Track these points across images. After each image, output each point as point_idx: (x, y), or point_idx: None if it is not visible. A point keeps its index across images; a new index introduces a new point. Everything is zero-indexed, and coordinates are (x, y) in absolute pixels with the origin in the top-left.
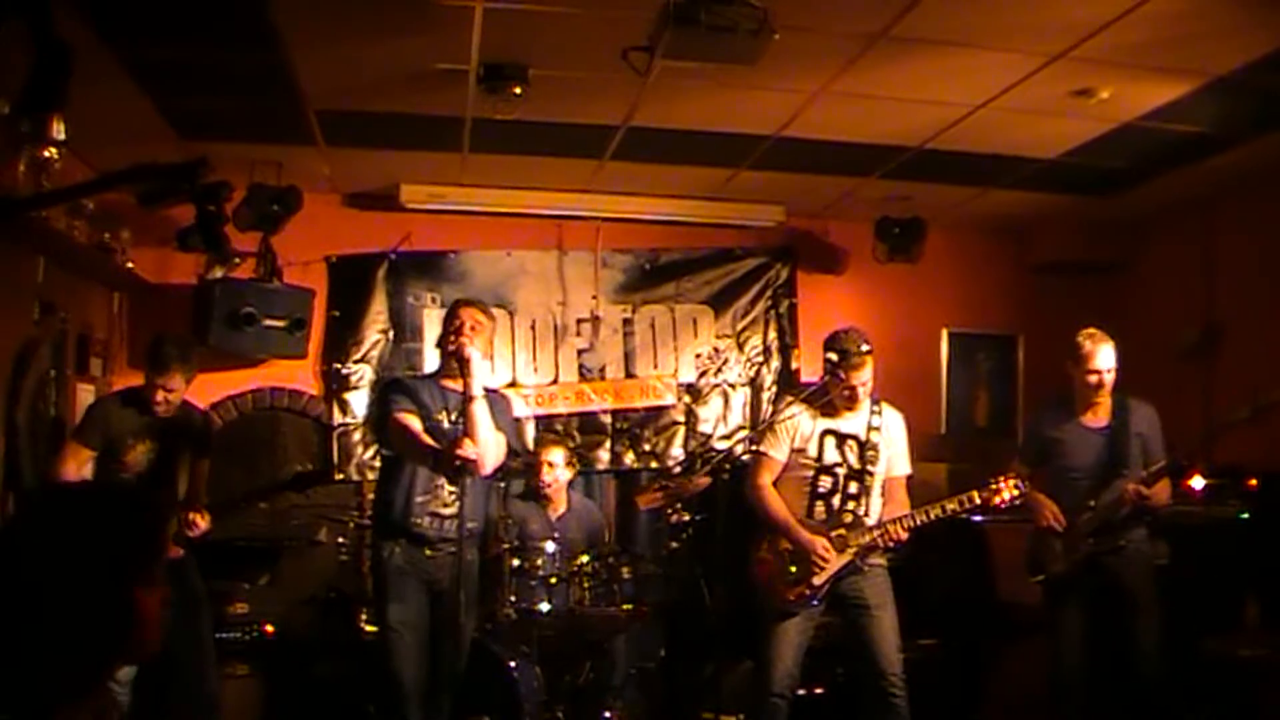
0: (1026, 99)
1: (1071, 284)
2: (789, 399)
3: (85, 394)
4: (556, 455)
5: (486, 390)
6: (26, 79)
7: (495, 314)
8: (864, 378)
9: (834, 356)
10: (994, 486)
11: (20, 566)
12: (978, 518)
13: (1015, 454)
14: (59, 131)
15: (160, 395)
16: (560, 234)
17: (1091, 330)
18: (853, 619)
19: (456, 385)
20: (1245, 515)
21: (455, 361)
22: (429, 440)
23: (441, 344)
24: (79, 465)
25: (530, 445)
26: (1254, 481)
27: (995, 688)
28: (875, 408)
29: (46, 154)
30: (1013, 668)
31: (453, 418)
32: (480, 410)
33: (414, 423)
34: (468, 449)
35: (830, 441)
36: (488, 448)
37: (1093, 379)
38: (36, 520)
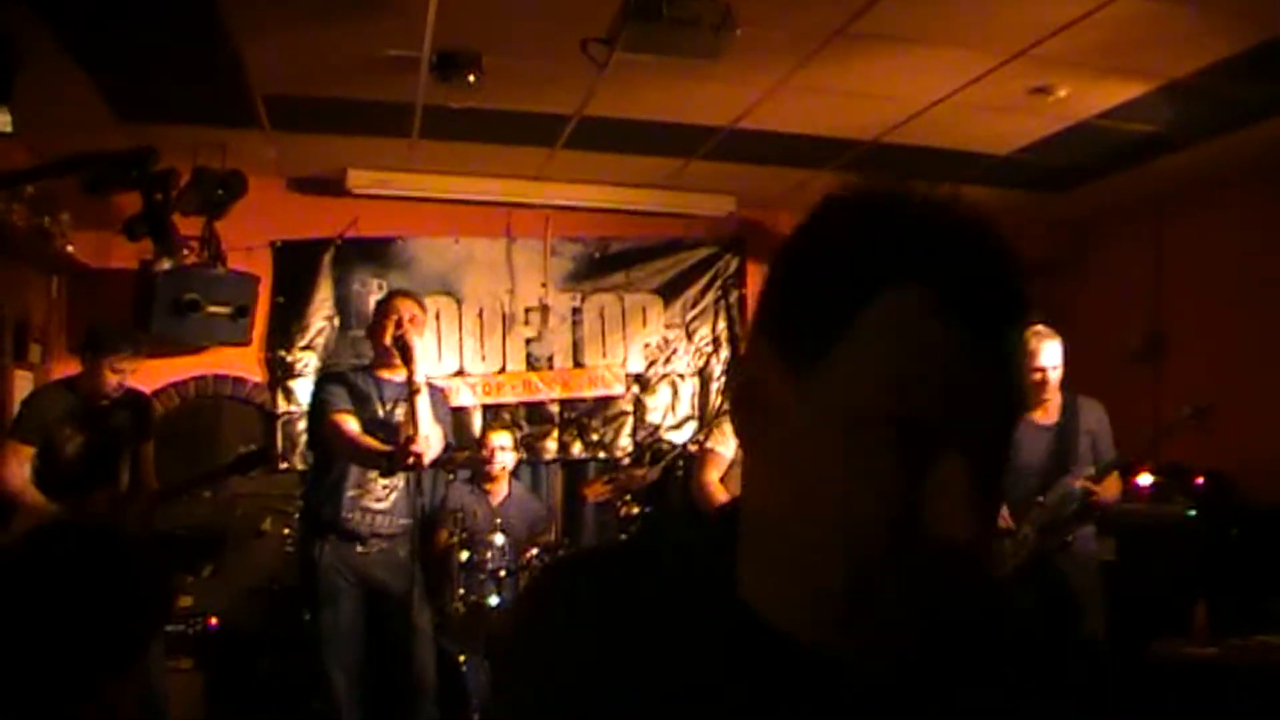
0: (984, 96)
1: None
2: None
3: (24, 381)
4: (504, 439)
5: (427, 381)
6: None
7: (441, 302)
8: None
9: None
10: None
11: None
12: None
13: None
14: (5, 124)
15: (112, 379)
16: (509, 221)
17: (1037, 327)
18: None
19: (393, 375)
20: (1193, 513)
21: (397, 351)
22: (372, 442)
23: (374, 334)
24: (20, 463)
25: (476, 433)
26: (1201, 479)
27: None
28: None
29: None
30: None
31: (388, 408)
32: (423, 402)
33: (352, 424)
34: (421, 444)
35: None
36: (430, 441)
37: (1036, 376)
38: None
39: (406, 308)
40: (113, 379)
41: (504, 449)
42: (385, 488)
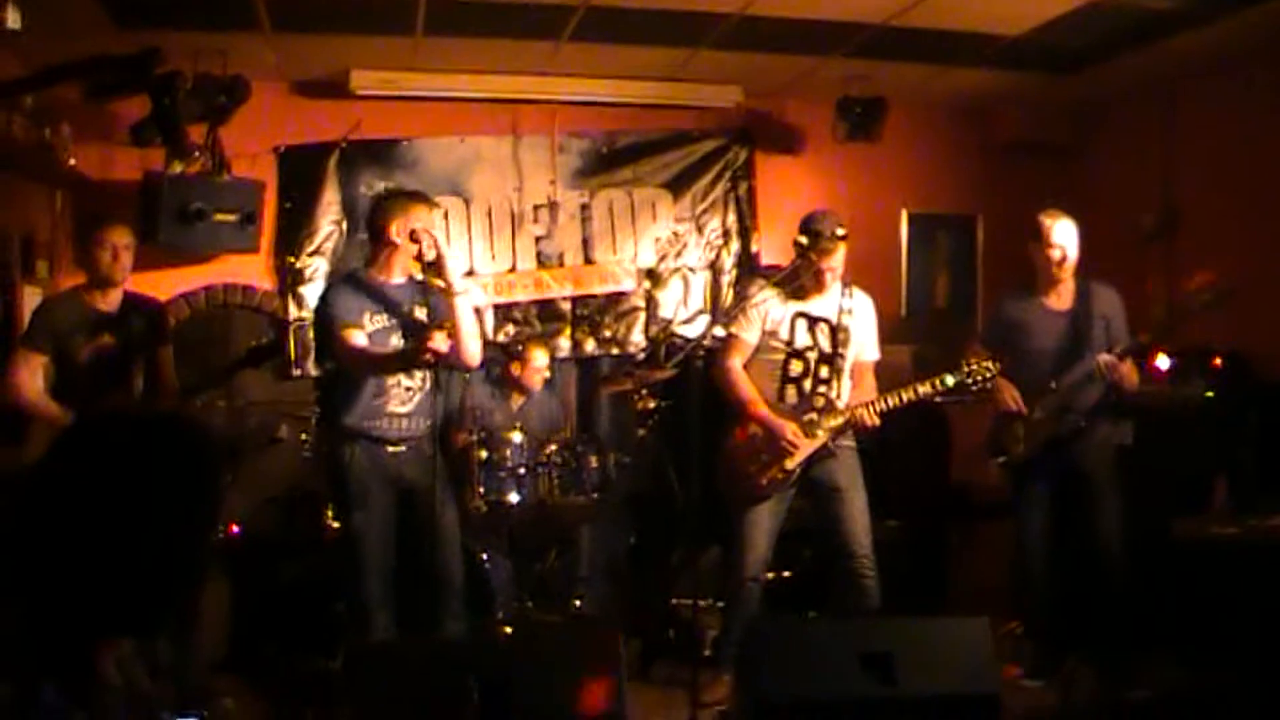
0: None
1: (1031, 165)
2: (760, 282)
3: (32, 297)
4: (543, 359)
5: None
6: None
7: (449, 203)
8: (834, 263)
9: (804, 239)
10: (966, 369)
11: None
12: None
13: (976, 335)
14: (14, 21)
15: (107, 256)
16: (515, 119)
17: (1049, 210)
18: (823, 501)
19: (399, 279)
20: (1210, 395)
21: (427, 266)
22: (382, 351)
23: (388, 236)
24: (32, 372)
25: (489, 334)
26: (1219, 360)
27: (958, 569)
28: (846, 291)
29: None
30: (974, 549)
31: (409, 310)
32: (464, 305)
33: (359, 338)
34: (438, 341)
35: (801, 324)
36: (473, 341)
37: (1054, 253)
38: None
39: (424, 217)
40: (108, 257)
41: (540, 368)
42: (408, 390)
